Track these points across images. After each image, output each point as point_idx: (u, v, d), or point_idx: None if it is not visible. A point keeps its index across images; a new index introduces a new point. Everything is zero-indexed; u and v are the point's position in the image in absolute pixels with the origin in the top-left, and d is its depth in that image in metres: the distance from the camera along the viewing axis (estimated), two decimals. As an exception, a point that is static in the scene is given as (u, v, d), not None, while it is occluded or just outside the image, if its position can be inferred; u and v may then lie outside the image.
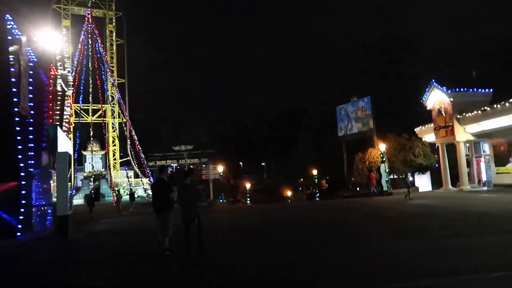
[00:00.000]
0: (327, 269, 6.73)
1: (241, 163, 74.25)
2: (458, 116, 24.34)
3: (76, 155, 43.34)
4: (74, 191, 40.43)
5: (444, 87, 25.04)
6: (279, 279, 6.31)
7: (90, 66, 42.26)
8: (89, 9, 43.90)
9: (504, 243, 7.97)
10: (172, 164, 64.31)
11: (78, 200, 37.90)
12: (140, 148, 43.24)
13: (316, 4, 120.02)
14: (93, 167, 43.41)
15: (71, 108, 28.30)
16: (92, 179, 41.36)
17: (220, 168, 32.69)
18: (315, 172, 38.14)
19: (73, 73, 41.64)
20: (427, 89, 26.59)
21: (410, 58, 48.49)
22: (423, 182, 31.82)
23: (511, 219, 11.29)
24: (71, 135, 41.57)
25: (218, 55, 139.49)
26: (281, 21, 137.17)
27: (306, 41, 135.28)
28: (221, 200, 33.96)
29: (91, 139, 43.10)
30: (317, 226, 12.93)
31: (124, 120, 45.19)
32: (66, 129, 21.71)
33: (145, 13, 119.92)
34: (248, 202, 40.23)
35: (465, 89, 24.87)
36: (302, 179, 48.60)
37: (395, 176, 33.19)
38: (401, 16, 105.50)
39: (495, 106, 21.21)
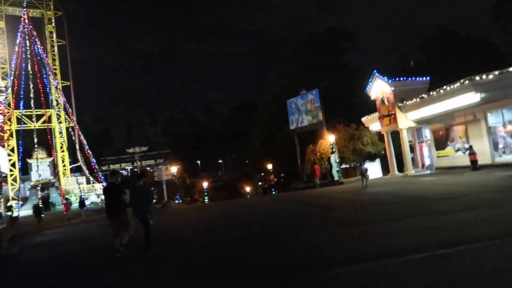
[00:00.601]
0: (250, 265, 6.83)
1: (198, 161, 73.61)
2: (400, 104, 25.36)
3: (20, 164, 40.99)
4: (21, 202, 38.32)
5: (385, 77, 25.96)
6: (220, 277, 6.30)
7: (30, 69, 39.95)
8: (25, 9, 41.45)
9: (430, 225, 8.45)
10: (126, 167, 62.46)
11: (26, 211, 36.11)
12: (90, 153, 41.64)
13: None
14: (40, 175, 41.25)
15: (4, 115, 26.70)
16: (39, 188, 39.35)
17: (174, 169, 32.23)
18: (270, 166, 38.52)
19: (11, 77, 39.32)
20: (370, 80, 27.48)
21: (353, 49, 49.96)
22: (373, 170, 33.06)
23: (443, 200, 11.99)
24: (13, 143, 39.43)
25: (164, 53, 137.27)
26: (227, 16, 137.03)
27: (252, 36, 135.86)
28: (176, 201, 33.48)
29: (36, 146, 40.84)
30: (263, 223, 13.09)
31: (72, 125, 43.31)
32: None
33: (87, 11, 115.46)
34: (206, 200, 39.93)
35: (405, 78, 25.94)
36: (263, 173, 48.71)
37: (347, 166, 34.28)
38: (342, 8, 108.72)
39: (431, 93, 22.31)
